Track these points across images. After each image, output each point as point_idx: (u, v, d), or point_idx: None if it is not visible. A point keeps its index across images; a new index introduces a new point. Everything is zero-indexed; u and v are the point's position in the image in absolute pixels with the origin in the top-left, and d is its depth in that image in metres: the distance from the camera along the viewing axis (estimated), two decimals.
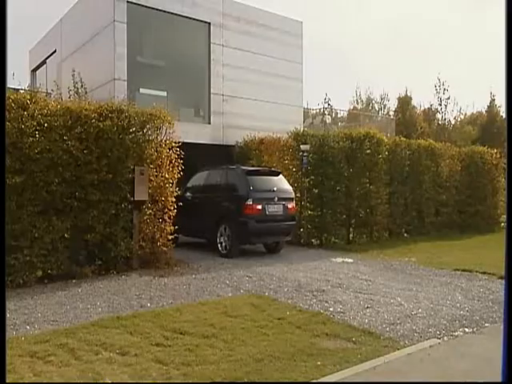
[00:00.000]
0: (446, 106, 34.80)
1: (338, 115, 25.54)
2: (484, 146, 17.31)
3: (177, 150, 8.17)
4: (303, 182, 11.02)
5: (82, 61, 12.90)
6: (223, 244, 9.28)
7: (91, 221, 7.08)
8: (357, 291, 6.41)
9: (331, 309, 5.48)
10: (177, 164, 8.19)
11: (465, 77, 62.06)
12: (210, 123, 13.47)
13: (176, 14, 12.62)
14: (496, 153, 16.00)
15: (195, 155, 13.50)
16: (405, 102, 34.59)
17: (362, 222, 11.95)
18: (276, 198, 9.28)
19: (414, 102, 35.82)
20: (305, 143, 11.03)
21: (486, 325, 5.04)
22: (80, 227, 7.02)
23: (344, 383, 3.51)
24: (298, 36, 15.54)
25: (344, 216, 11.62)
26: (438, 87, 34.35)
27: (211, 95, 13.44)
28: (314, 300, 5.87)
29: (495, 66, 61.66)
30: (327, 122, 17.91)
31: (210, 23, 13.33)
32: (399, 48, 64.43)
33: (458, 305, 5.83)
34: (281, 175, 9.92)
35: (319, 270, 7.99)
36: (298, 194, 10.99)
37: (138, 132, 7.75)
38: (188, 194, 10.43)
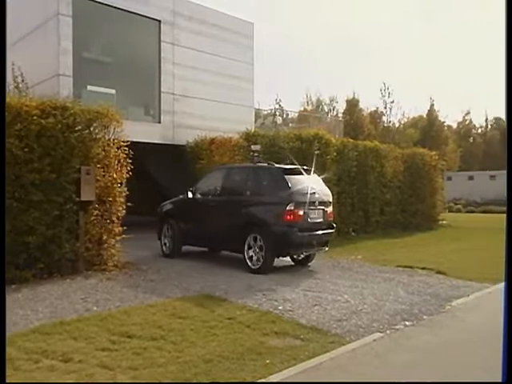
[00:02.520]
0: (390, 109, 36.41)
1: (289, 116, 25.96)
2: (424, 147, 18.27)
3: (125, 150, 7.99)
4: None
5: (22, 54, 12.27)
6: (253, 257, 7.75)
7: (32, 222, 6.76)
8: (305, 289, 6.56)
9: (280, 307, 5.57)
10: (125, 164, 8.01)
11: (408, 81, 65.08)
12: (160, 122, 13.27)
13: (125, 10, 12.31)
14: (434, 154, 16.93)
15: (145, 155, 13.29)
16: (352, 104, 35.78)
17: None
18: (317, 203, 7.95)
19: (361, 105, 37.15)
20: (255, 143, 11.12)
21: (424, 317, 5.33)
22: (20, 229, 6.69)
23: (287, 383, 3.58)
24: (249, 37, 15.66)
25: None
26: (383, 91, 35.86)
27: (161, 94, 13.25)
28: (264, 299, 5.94)
29: (435, 72, 64.99)
30: (278, 122, 18.16)
31: (160, 21, 13.13)
32: (348, 51, 66.47)
33: (400, 299, 6.11)
34: (315, 174, 8.68)
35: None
36: None
37: (84, 130, 7.50)
38: (198, 196, 8.98)
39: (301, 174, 8.27)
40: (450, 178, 30.41)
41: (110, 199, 7.81)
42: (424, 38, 70.98)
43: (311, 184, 8.07)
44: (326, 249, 8.39)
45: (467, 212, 26.12)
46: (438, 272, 7.92)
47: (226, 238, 8.33)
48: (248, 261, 7.82)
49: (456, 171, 35.80)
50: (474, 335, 4.82)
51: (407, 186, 15.74)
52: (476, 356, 4.20)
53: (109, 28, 12.78)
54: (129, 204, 8.24)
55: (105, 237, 7.67)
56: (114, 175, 7.85)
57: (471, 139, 48.87)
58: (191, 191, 9.02)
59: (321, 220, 8.02)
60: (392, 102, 36.32)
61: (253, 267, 7.72)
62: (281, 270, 8.01)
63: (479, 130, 50.47)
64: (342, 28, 71.03)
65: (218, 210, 8.48)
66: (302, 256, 8.35)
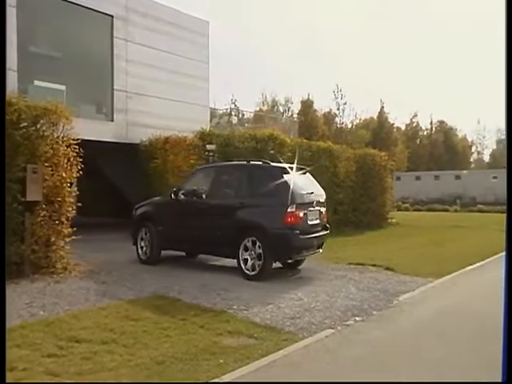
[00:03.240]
0: (343, 110, 37.45)
1: (245, 116, 26.07)
2: (375, 148, 18.92)
3: (76, 148, 7.73)
4: None
5: None
6: (249, 262, 7.23)
7: None
8: (259, 288, 6.61)
9: (235, 307, 5.58)
10: (75, 162, 7.75)
11: (360, 83, 67.13)
12: (112, 120, 12.92)
13: (75, 4, 11.87)
14: (384, 155, 17.57)
15: (98, 154, 12.91)
16: (307, 105, 36.45)
17: None
18: (314, 203, 7.58)
19: (315, 106, 37.92)
20: (211, 143, 11.10)
21: (374, 312, 5.52)
22: None
23: (238, 383, 3.60)
24: (204, 35, 15.59)
25: None
26: (336, 93, 36.81)
27: (114, 92, 12.91)
28: (218, 299, 5.93)
29: (386, 75, 67.31)
30: (233, 122, 18.19)
31: (112, 16, 12.78)
32: (303, 53, 67.55)
33: (351, 296, 6.29)
34: (308, 173, 8.22)
35: (223, 269, 8.10)
36: None
37: (31, 127, 7.19)
38: (183, 197, 8.25)
39: (295, 172, 7.87)
40: (398, 178, 31.67)
41: (59, 199, 7.53)
42: (377, 41, 73.51)
43: (307, 184, 7.76)
44: (321, 251, 8.05)
45: (414, 210, 27.27)
46: (387, 268, 8.23)
47: (218, 242, 7.64)
48: (243, 266, 7.26)
49: (404, 171, 37.30)
50: (420, 328, 5.06)
51: (359, 186, 16.20)
52: (422, 348, 4.41)
53: (58, 22, 12.28)
54: (79, 204, 7.99)
55: (53, 238, 7.38)
56: (64, 174, 7.57)
57: (418, 141, 51.08)
58: (174, 192, 8.30)
59: (318, 221, 7.71)
60: (345, 103, 37.47)
61: (249, 273, 7.18)
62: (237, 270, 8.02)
63: (425, 133, 52.86)
64: (298, 29, 72.20)
65: (208, 213, 7.82)
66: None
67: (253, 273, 7.18)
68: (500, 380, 2.07)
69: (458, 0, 71.53)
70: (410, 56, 72.99)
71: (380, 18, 72.21)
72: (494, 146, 58.81)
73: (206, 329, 4.73)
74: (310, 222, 7.47)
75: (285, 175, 7.41)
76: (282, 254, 7.36)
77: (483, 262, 9.24)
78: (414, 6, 71.35)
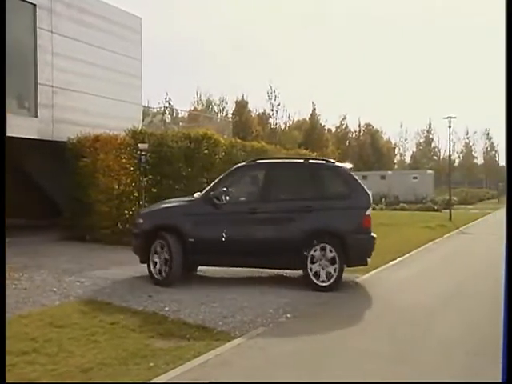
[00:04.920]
0: (277, 111, 38.19)
1: (179, 115, 25.75)
2: (307, 149, 19.56)
3: None
4: (141, 182, 10.81)
5: None
6: (321, 271, 6.57)
7: None
8: (192, 288, 6.57)
9: (167, 308, 5.51)
10: None
11: (293, 85, 68.90)
12: (36, 116, 12.16)
13: None
14: (316, 156, 18.23)
15: (21, 151, 12.09)
16: (241, 105, 36.73)
17: None
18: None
19: (250, 107, 38.32)
20: (143, 142, 10.84)
21: (304, 309, 5.69)
22: None
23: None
24: (137, 32, 15.18)
25: None
26: (269, 94, 37.48)
27: (38, 85, 12.14)
28: (150, 301, 5.82)
29: (317, 78, 69.61)
30: (167, 121, 17.89)
31: (35, 5, 12.02)
32: (238, 53, 68.04)
33: (283, 294, 6.42)
34: None
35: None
36: (136, 194, 10.75)
37: None
38: (217, 200, 6.99)
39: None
40: None
41: None
42: (309, 44, 75.78)
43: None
44: None
45: None
46: None
47: (277, 252, 6.82)
48: (312, 275, 6.59)
49: None
50: (345, 324, 5.29)
51: None
52: (349, 341, 4.64)
53: None
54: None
55: None
56: None
57: (347, 142, 53.32)
58: (206, 195, 7.12)
59: None
60: (278, 104, 38.21)
61: (320, 284, 6.56)
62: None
63: (354, 135, 55.32)
64: (232, 29, 72.52)
65: (263, 218, 6.93)
66: None
67: (325, 284, 6.57)
68: (500, 380, 2.08)
69: (388, 1, 75.58)
70: (340, 59, 76.17)
71: (313, 19, 74.60)
72: (414, 149, 63.04)
73: (137, 332, 4.59)
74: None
75: (353, 174, 7.18)
76: (359, 260, 6.89)
77: (404, 257, 9.91)
78: (347, 7, 74.47)
